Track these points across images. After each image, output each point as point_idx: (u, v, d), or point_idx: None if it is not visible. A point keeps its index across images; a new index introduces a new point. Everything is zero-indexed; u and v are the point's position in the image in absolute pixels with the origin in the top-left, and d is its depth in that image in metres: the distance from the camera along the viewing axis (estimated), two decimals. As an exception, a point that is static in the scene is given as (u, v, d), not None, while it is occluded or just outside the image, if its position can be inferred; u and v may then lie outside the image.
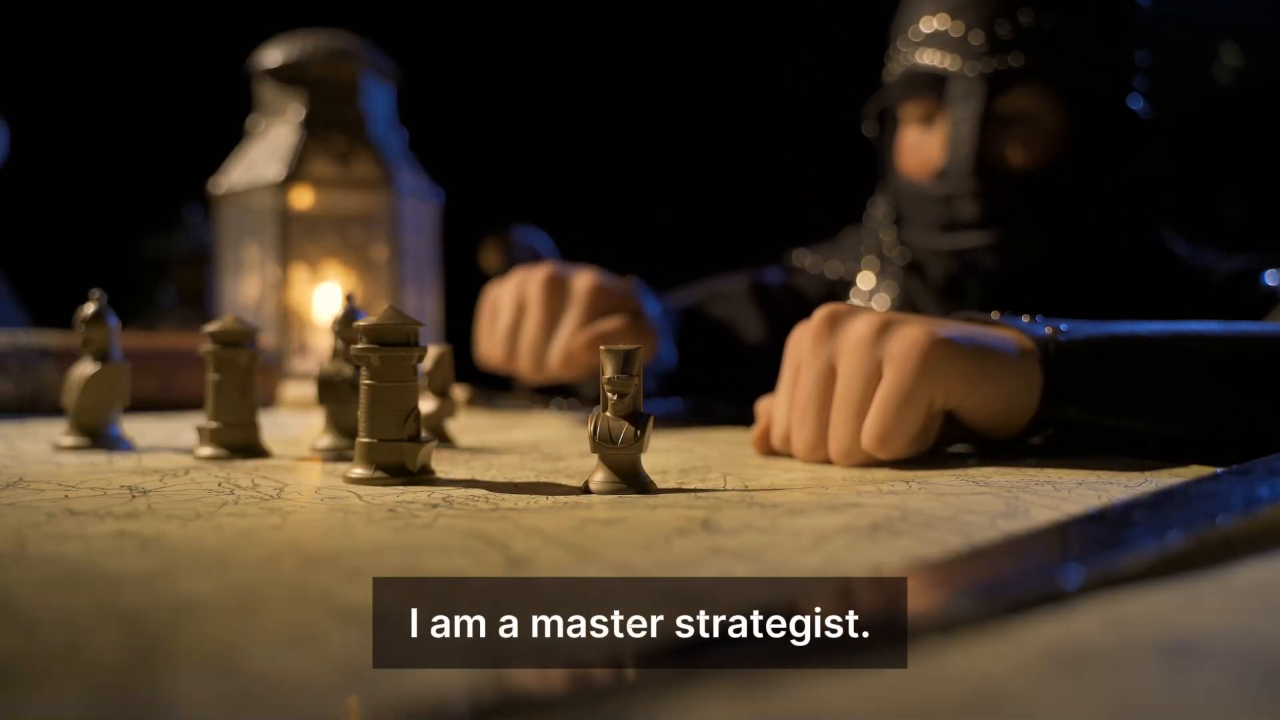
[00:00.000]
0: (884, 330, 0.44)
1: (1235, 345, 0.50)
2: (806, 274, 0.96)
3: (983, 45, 0.75)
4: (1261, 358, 0.50)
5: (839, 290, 0.92)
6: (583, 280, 0.69)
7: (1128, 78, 0.79)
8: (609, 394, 0.37)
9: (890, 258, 0.85)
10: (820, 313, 0.47)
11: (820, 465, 0.45)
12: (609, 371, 0.37)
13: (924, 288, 0.82)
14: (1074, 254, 0.78)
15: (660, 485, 0.38)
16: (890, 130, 0.85)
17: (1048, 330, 0.46)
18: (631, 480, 0.37)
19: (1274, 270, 0.78)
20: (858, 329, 0.45)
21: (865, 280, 0.89)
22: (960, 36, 0.76)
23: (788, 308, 0.90)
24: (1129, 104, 0.79)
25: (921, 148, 0.81)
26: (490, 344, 0.73)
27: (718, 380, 0.85)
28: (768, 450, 0.50)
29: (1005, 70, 0.74)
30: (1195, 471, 0.42)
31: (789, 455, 0.48)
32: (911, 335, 0.43)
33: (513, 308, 0.70)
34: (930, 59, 0.78)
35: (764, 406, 0.51)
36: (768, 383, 0.53)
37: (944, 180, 0.76)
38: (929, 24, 0.78)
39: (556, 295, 0.69)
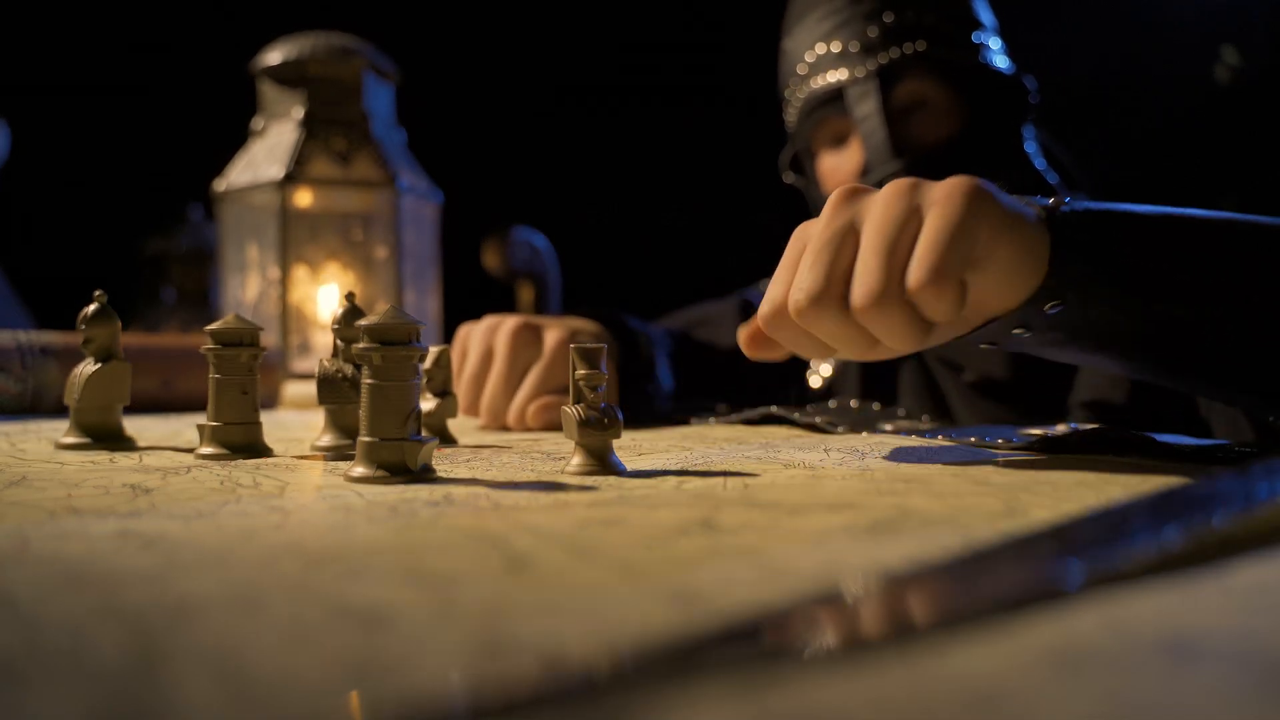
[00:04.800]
0: (916, 185, 0.42)
1: (1239, 227, 0.49)
2: None
3: (862, 51, 0.86)
4: (1264, 239, 0.49)
5: None
6: (554, 335, 0.68)
7: (989, 53, 0.89)
8: (584, 388, 0.43)
9: None
10: (837, 190, 0.44)
11: (812, 456, 0.45)
12: (582, 369, 0.43)
13: None
14: None
15: (660, 485, 0.38)
16: (810, 169, 0.94)
17: (1051, 200, 0.45)
18: (604, 464, 0.42)
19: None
20: (886, 189, 0.42)
21: None
22: (841, 51, 0.87)
23: None
24: (1000, 72, 0.88)
25: (840, 165, 0.89)
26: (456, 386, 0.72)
27: (714, 397, 0.86)
28: (757, 345, 0.46)
29: (889, 64, 0.85)
30: (1194, 471, 0.42)
31: (777, 330, 0.44)
32: (954, 180, 0.42)
33: (480, 354, 0.69)
34: (823, 80, 0.88)
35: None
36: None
37: (869, 173, 0.84)
38: (811, 55, 0.89)
39: (525, 347, 0.68)
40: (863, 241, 0.41)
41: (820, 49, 0.88)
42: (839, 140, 0.89)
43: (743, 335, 0.47)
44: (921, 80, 0.85)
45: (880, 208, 0.41)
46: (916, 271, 0.39)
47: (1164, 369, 0.49)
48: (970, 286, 0.41)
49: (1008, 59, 0.91)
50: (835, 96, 0.87)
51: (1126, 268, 0.45)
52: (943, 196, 0.41)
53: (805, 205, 0.95)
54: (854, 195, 0.43)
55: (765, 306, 0.44)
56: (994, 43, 0.90)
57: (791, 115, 0.93)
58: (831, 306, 0.41)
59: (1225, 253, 0.48)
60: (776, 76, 0.95)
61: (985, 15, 0.91)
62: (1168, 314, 0.46)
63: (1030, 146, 0.87)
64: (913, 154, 0.83)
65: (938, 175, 0.80)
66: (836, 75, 0.87)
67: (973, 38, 0.88)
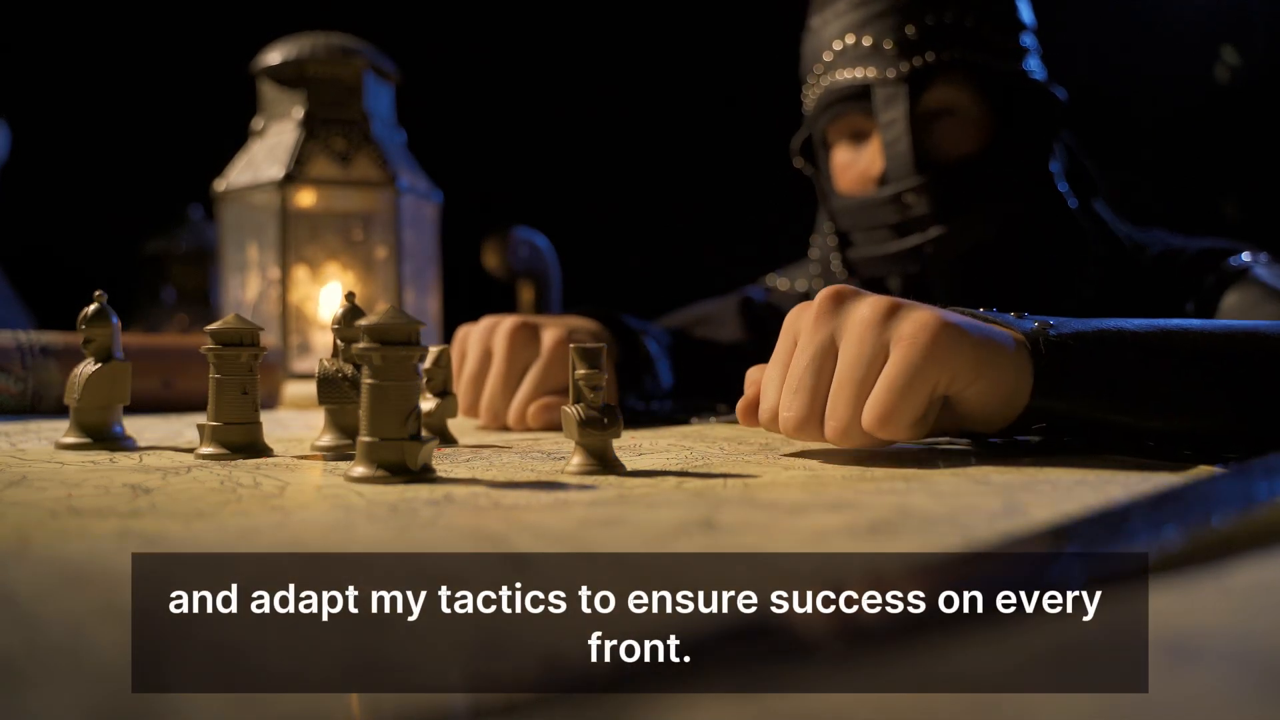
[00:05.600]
0: (892, 313, 0.44)
1: (1222, 342, 0.50)
2: (780, 293, 1.00)
3: (895, 50, 0.80)
4: (1247, 355, 0.50)
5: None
6: (551, 335, 0.68)
7: (1028, 59, 0.84)
8: (584, 388, 0.42)
9: (840, 279, 0.88)
10: (825, 291, 0.47)
11: (812, 459, 0.45)
12: (581, 369, 0.43)
13: None
14: (1025, 234, 0.81)
15: (660, 485, 0.38)
16: (823, 158, 0.88)
17: (1036, 324, 0.46)
18: (604, 463, 0.42)
19: (1249, 252, 0.79)
20: (864, 309, 0.45)
21: None
22: (872, 46, 0.81)
23: (775, 325, 0.92)
24: (1040, 83, 0.83)
25: (855, 163, 0.84)
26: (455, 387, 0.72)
27: (714, 396, 0.85)
28: (752, 422, 0.50)
29: (923, 67, 0.79)
30: (1194, 471, 0.42)
31: (773, 430, 0.48)
32: (922, 318, 0.43)
33: (478, 355, 0.69)
34: (849, 74, 0.82)
35: (754, 376, 0.51)
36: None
37: (889, 183, 0.80)
38: (839, 44, 0.83)
39: (523, 347, 0.67)
40: (837, 372, 0.45)
41: (849, 39, 0.81)
42: (857, 136, 0.84)
43: (740, 407, 0.51)
44: (954, 87, 0.80)
45: (855, 340, 0.44)
46: (868, 415, 0.43)
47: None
48: (953, 405, 0.46)
49: (1040, 63, 0.86)
50: (859, 93, 0.81)
51: (1108, 396, 0.47)
52: (908, 336, 0.43)
53: (813, 194, 0.93)
54: (839, 303, 0.46)
55: (763, 412, 0.48)
56: (1031, 44, 0.84)
57: (809, 101, 0.88)
58: (815, 430, 0.45)
59: (1212, 367, 0.49)
60: (800, 56, 0.89)
61: (1026, 13, 0.85)
62: (1148, 428, 0.48)
63: (1054, 165, 0.82)
64: (935, 169, 0.78)
65: (959, 192, 0.79)
66: (864, 72, 0.80)
67: (1012, 42, 0.82)
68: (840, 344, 0.45)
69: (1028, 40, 0.84)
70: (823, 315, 0.46)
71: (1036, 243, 0.81)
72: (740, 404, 0.50)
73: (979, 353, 0.44)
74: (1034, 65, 0.84)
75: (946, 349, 0.43)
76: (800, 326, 0.47)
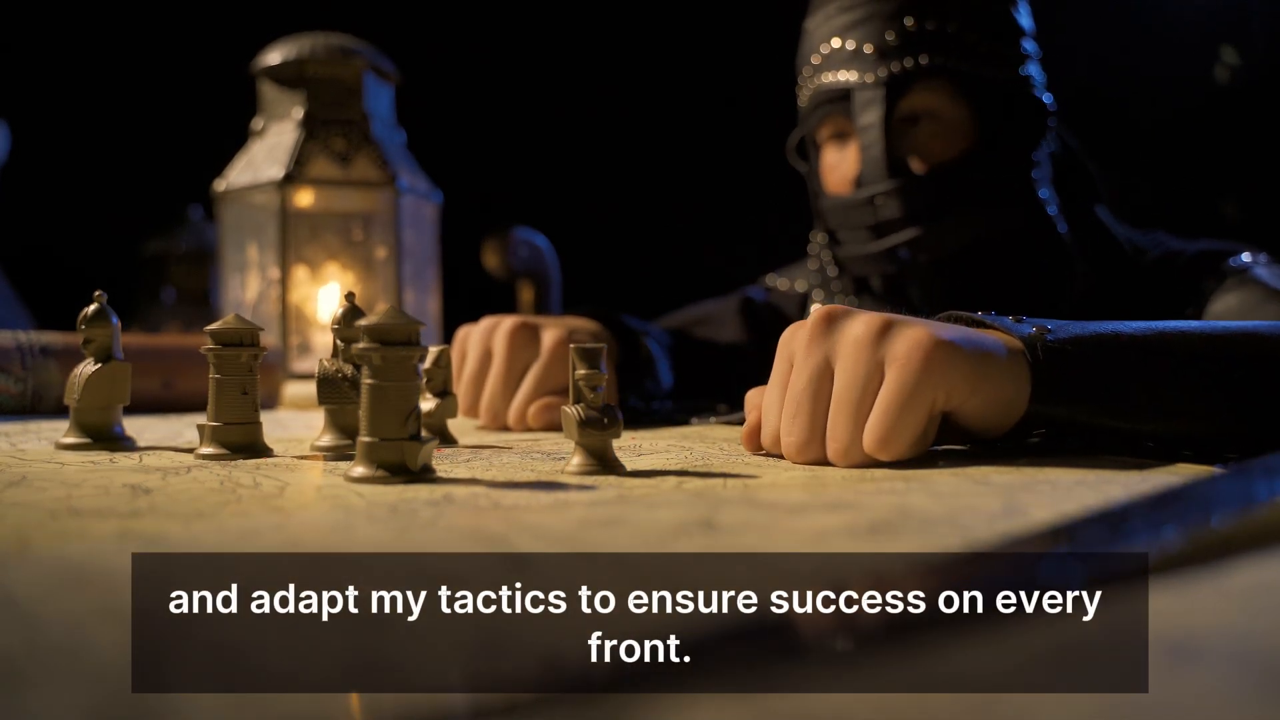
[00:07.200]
0: (885, 331, 0.44)
1: (1221, 344, 0.50)
2: (780, 293, 1.01)
3: (876, 55, 0.80)
4: (1245, 358, 0.50)
5: (812, 301, 0.95)
6: (551, 335, 0.68)
7: (1020, 65, 0.83)
8: (584, 388, 0.42)
9: (831, 277, 0.89)
10: (817, 312, 0.46)
11: (814, 465, 0.45)
12: (582, 369, 0.43)
13: (872, 302, 0.84)
14: (1003, 241, 0.81)
15: (660, 485, 0.38)
16: (814, 158, 0.90)
17: (1034, 330, 0.46)
18: (604, 463, 0.42)
19: (1249, 252, 0.79)
20: (857, 329, 0.44)
21: (818, 296, 0.94)
22: (855, 50, 0.82)
23: (775, 325, 0.93)
24: (1025, 90, 0.83)
25: (840, 164, 0.86)
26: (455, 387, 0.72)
27: (714, 396, 0.85)
28: (757, 448, 0.50)
29: (901, 73, 0.79)
30: (1193, 471, 0.42)
31: (779, 455, 0.48)
32: (915, 336, 0.43)
33: (479, 356, 0.69)
34: (832, 77, 0.83)
35: (754, 400, 0.51)
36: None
37: (863, 185, 0.81)
38: (826, 47, 0.84)
39: (523, 348, 0.67)
40: (834, 395, 0.45)
41: (835, 43, 0.83)
42: (843, 137, 0.85)
43: (744, 433, 0.51)
44: (935, 93, 0.80)
45: (850, 361, 0.44)
46: (868, 438, 0.43)
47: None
48: (952, 417, 0.46)
49: (1040, 68, 0.85)
50: (843, 96, 0.82)
51: (1107, 400, 0.46)
52: (902, 356, 0.43)
53: (806, 195, 0.93)
54: (831, 324, 0.46)
55: (766, 437, 0.48)
56: (1029, 49, 0.84)
57: (802, 100, 0.89)
58: (817, 452, 0.45)
59: (1210, 370, 0.49)
60: (797, 56, 0.91)
61: (1023, 19, 0.84)
62: (1147, 431, 0.48)
63: (1038, 172, 0.82)
64: (908, 174, 0.79)
65: (933, 197, 0.79)
66: (846, 75, 0.82)
67: (1001, 48, 0.82)
68: (835, 366, 0.45)
69: (1021, 46, 0.83)
70: (816, 337, 0.46)
71: (1015, 249, 0.81)
72: (744, 431, 0.51)
73: (974, 367, 0.44)
74: (1032, 71, 0.84)
75: (941, 366, 0.43)
76: (795, 349, 0.47)
